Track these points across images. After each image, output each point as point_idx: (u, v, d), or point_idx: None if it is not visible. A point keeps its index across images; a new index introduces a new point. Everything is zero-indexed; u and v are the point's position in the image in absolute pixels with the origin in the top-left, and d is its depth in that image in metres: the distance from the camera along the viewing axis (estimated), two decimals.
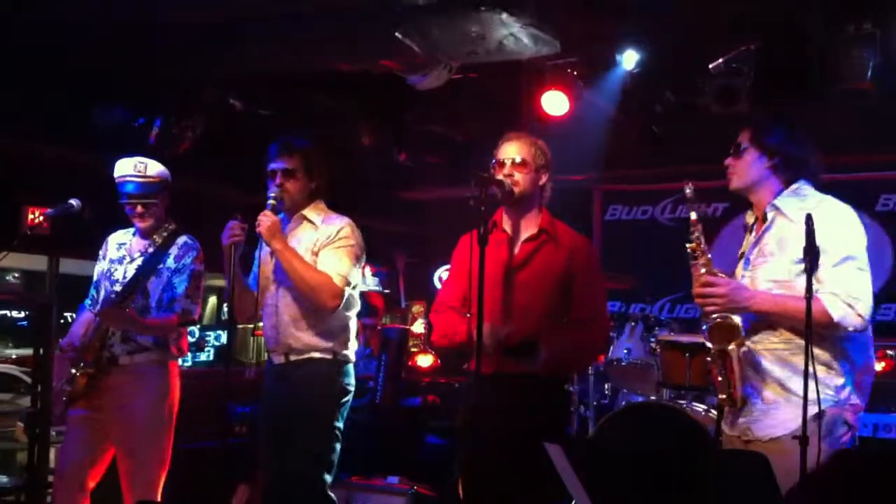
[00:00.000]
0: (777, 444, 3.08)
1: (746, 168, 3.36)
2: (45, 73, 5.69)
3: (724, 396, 3.19)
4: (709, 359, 3.18)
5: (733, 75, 6.29)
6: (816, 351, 3.11)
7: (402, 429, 6.36)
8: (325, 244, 4.04)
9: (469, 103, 7.20)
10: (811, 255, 3.00)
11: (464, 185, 3.71)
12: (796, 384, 3.11)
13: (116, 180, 4.35)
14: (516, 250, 3.69)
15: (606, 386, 5.84)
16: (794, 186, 3.31)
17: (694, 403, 4.94)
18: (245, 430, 5.70)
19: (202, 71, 6.11)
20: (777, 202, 3.28)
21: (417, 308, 8.43)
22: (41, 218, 4.66)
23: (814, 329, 3.04)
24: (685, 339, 4.98)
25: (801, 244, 3.09)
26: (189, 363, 6.48)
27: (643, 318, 5.45)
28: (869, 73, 5.89)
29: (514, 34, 4.90)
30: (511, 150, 3.71)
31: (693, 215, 3.29)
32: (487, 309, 3.49)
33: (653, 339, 5.25)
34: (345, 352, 4.09)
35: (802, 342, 3.09)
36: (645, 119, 7.14)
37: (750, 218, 3.44)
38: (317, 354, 4.01)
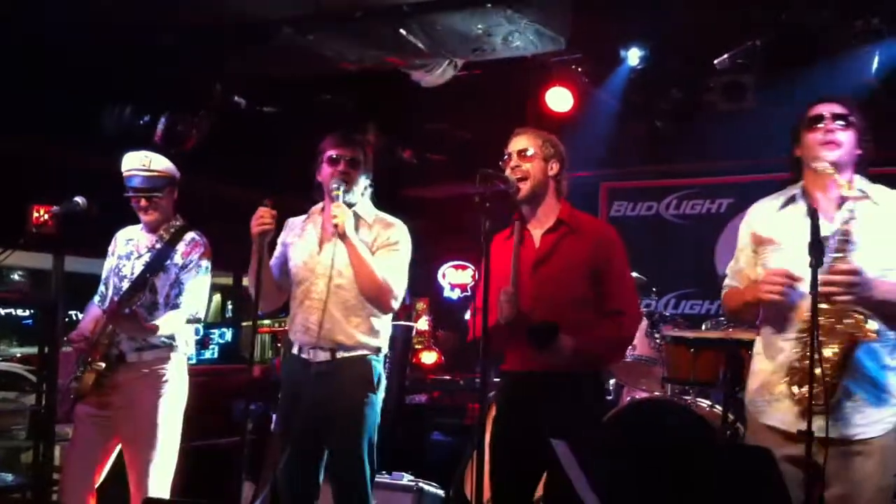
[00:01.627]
0: (869, 445, 3.01)
1: (850, 145, 3.15)
2: (50, 72, 5.70)
3: (816, 391, 2.94)
4: (829, 353, 2.98)
5: (739, 71, 6.29)
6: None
7: (407, 426, 6.36)
8: (383, 245, 3.98)
9: (474, 101, 7.20)
10: (816, 250, 2.95)
11: (468, 183, 3.71)
12: (889, 380, 3.05)
13: (123, 174, 4.35)
14: (537, 244, 3.64)
15: (611, 382, 5.84)
16: (856, 176, 3.19)
17: (699, 399, 4.94)
18: (251, 429, 5.70)
19: (209, 70, 6.13)
20: (864, 188, 3.14)
21: (421, 305, 8.44)
22: (47, 216, 4.64)
23: None
24: (690, 334, 4.97)
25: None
26: (193, 361, 6.48)
27: (648, 314, 5.44)
28: (875, 68, 5.90)
29: (519, 31, 4.91)
30: (518, 143, 3.68)
31: (849, 193, 3.07)
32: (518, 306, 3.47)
33: (658, 335, 5.24)
34: (385, 349, 4.07)
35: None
36: (650, 115, 7.14)
37: (803, 199, 3.21)
38: (364, 351, 3.96)
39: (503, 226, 3.74)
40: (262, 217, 3.84)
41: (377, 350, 4.01)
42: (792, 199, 3.25)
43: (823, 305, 2.96)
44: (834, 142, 3.12)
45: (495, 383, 5.32)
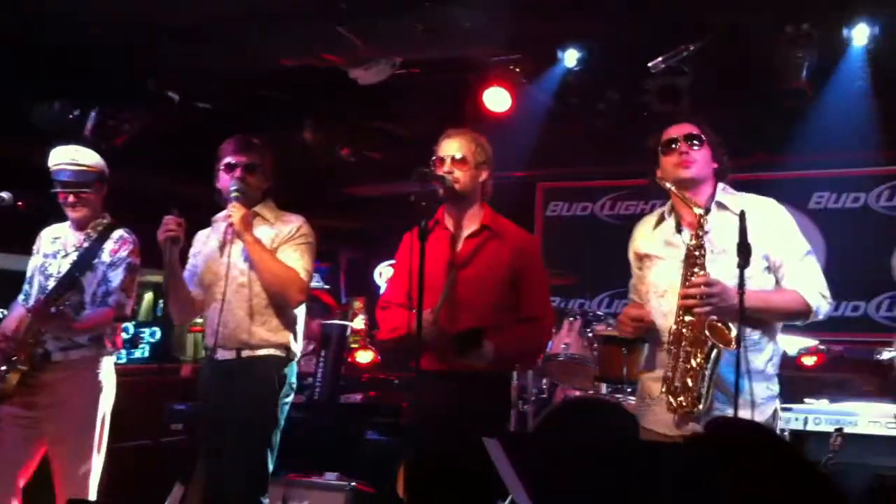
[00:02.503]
0: None
1: (704, 161, 3.40)
2: None
3: (686, 400, 3.19)
4: (694, 363, 3.17)
5: (675, 75, 6.37)
6: (772, 347, 3.21)
7: (342, 425, 6.33)
8: (284, 241, 4.01)
9: (413, 99, 7.18)
10: (744, 252, 3.06)
11: (406, 182, 3.71)
12: (753, 386, 3.19)
13: (50, 169, 4.25)
14: (459, 247, 3.69)
15: (545, 381, 5.88)
16: (721, 186, 3.41)
17: (630, 397, 4.98)
18: (181, 428, 5.62)
19: (143, 64, 6.02)
20: (721, 199, 3.34)
21: (358, 304, 8.40)
22: None
23: (787, 320, 3.24)
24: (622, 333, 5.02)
25: (757, 240, 3.17)
26: (124, 360, 6.37)
27: (582, 314, 5.49)
28: (805, 74, 6.02)
29: (457, 30, 4.90)
30: (451, 147, 3.71)
31: (699, 211, 3.28)
32: (432, 305, 3.53)
33: (591, 334, 5.29)
34: (294, 348, 4.06)
35: (759, 340, 3.22)
36: (587, 117, 7.19)
37: (672, 216, 3.46)
38: (270, 350, 3.96)
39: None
40: (168, 224, 3.86)
41: (285, 348, 4.00)
42: (662, 218, 3.49)
43: (687, 317, 3.20)
44: (688, 161, 3.35)
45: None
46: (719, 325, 3.14)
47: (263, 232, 4.03)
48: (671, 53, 5.95)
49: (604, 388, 5.24)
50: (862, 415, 4.96)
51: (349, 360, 7.78)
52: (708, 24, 5.96)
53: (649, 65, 6.03)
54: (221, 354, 3.99)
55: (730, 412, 3.13)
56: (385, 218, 7.64)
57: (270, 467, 3.99)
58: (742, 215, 3.11)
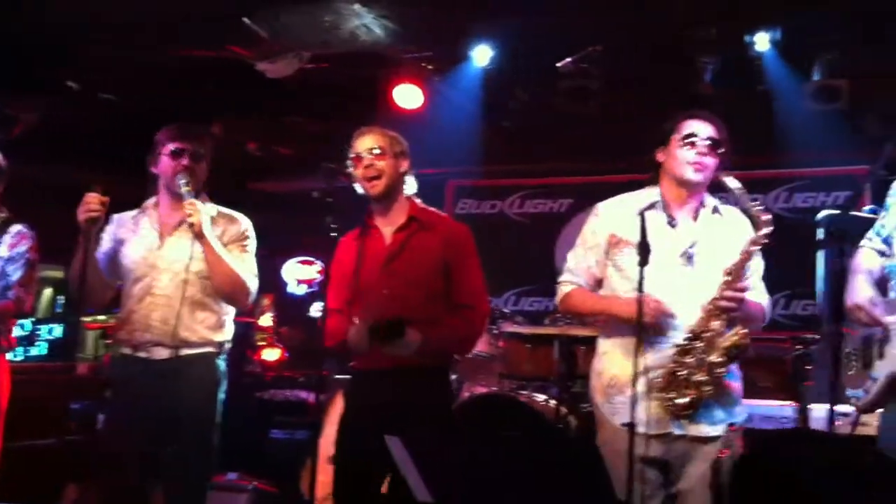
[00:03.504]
0: (711, 444, 3.23)
1: (713, 169, 3.30)
2: None
3: (682, 400, 3.19)
4: (718, 369, 3.17)
5: (583, 76, 6.45)
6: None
7: (246, 424, 6.23)
8: (232, 241, 3.89)
9: (324, 95, 7.13)
10: (643, 252, 3.08)
11: (315, 177, 3.67)
12: (734, 384, 3.27)
13: None
14: (388, 241, 3.66)
15: (451, 378, 5.87)
16: (706, 194, 3.40)
17: (535, 394, 5.03)
18: (77, 428, 5.47)
19: (45, 56, 5.84)
20: (716, 204, 3.36)
21: (266, 301, 8.28)
22: None
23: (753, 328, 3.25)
24: (526, 330, 5.06)
25: (734, 248, 3.23)
26: (20, 358, 6.16)
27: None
28: (708, 78, 6.17)
29: (366, 25, 4.88)
30: (367, 143, 3.66)
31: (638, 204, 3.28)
32: (364, 304, 3.51)
33: (497, 332, 5.31)
34: (226, 344, 3.96)
35: None
36: (497, 115, 7.24)
37: (664, 210, 3.37)
38: (209, 348, 3.85)
39: (354, 223, 3.74)
40: (90, 203, 3.67)
41: (221, 346, 3.92)
42: (652, 206, 3.35)
43: (714, 321, 3.18)
44: (702, 164, 3.27)
45: (341, 381, 5.32)
46: (743, 330, 3.19)
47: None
48: (580, 54, 6.04)
49: (510, 386, 5.27)
50: (755, 412, 5.10)
51: (256, 357, 7.68)
52: (617, 27, 6.06)
53: (558, 65, 6.10)
54: (155, 353, 3.79)
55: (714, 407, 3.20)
56: (294, 214, 7.56)
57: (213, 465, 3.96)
58: (642, 215, 3.13)
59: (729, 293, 3.17)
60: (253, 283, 3.90)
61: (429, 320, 3.49)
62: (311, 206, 3.63)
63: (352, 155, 3.68)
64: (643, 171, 3.54)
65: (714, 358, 3.15)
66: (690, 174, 3.27)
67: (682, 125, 3.32)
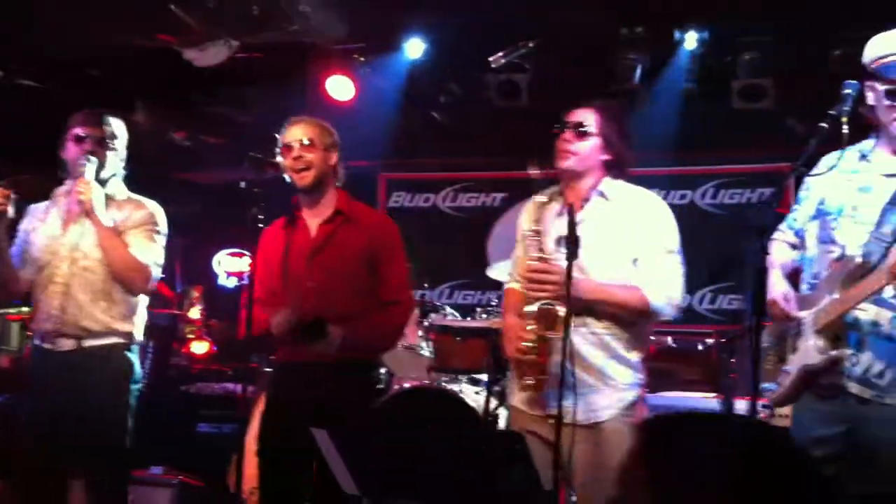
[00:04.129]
0: (600, 428, 3.17)
1: (588, 153, 3.28)
2: None
3: (531, 381, 3.17)
4: (528, 343, 3.15)
5: (514, 71, 6.49)
6: (628, 335, 3.23)
7: (172, 418, 6.14)
8: (135, 226, 3.82)
9: (255, 84, 7.05)
10: (572, 244, 3.07)
11: (240, 168, 3.62)
12: (614, 369, 3.21)
13: None
14: (314, 233, 3.64)
15: (382, 370, 5.86)
16: (609, 178, 3.34)
17: (466, 386, 5.05)
18: None
19: None
20: (604, 189, 3.29)
21: (195, 293, 8.15)
22: None
23: (629, 316, 3.19)
24: (456, 323, 5.08)
25: (630, 232, 3.20)
26: None
27: (420, 304, 5.51)
28: (638, 75, 6.24)
29: (297, 15, 4.82)
30: (297, 133, 3.64)
31: (542, 198, 3.27)
32: (289, 295, 3.48)
33: (428, 325, 5.32)
34: (137, 335, 3.89)
35: (622, 328, 3.22)
36: (430, 108, 7.23)
37: (553, 202, 3.38)
38: (115, 339, 3.78)
39: (281, 213, 3.71)
40: None
41: (129, 336, 3.84)
42: (554, 196, 3.38)
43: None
44: (567, 152, 3.27)
45: (266, 373, 5.27)
46: (552, 311, 3.14)
47: (112, 214, 3.82)
48: (511, 49, 6.06)
49: (442, 378, 5.27)
50: (681, 404, 5.19)
51: (184, 350, 7.56)
52: (548, 23, 6.10)
53: (490, 59, 6.12)
54: (58, 344, 3.74)
55: (590, 392, 3.17)
56: (224, 205, 7.45)
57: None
58: (570, 209, 3.12)
59: (525, 272, 3.18)
60: (154, 270, 3.83)
61: (353, 313, 3.50)
62: (242, 198, 3.57)
63: (281, 144, 3.65)
64: None
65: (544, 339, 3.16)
66: (558, 162, 3.30)
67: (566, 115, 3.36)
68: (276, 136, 3.71)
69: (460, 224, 8.21)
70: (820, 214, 3.14)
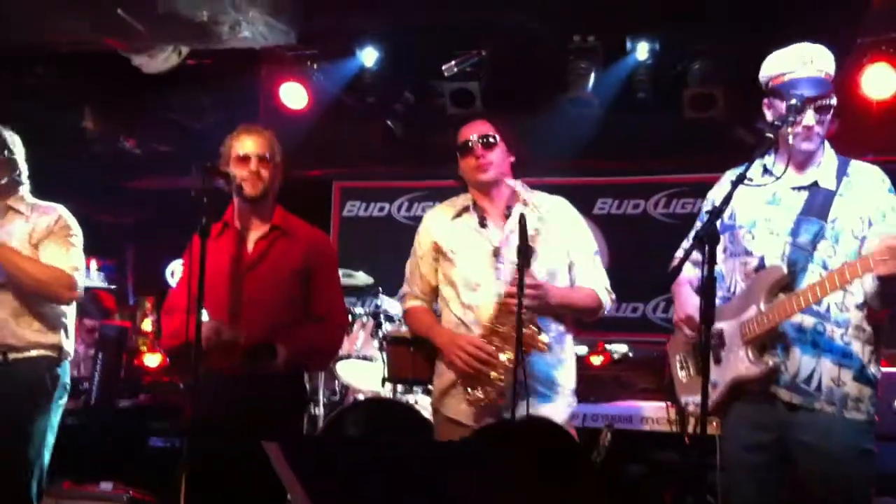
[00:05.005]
0: None
1: (500, 160, 3.45)
2: None
3: (480, 395, 3.23)
4: (504, 359, 3.21)
5: (467, 79, 6.48)
6: (566, 341, 3.29)
7: (122, 431, 6.04)
8: (44, 236, 3.81)
9: (207, 91, 6.97)
10: (524, 253, 3.10)
11: (189, 176, 3.56)
12: (563, 376, 3.25)
13: None
14: (250, 247, 3.62)
15: (337, 383, 5.83)
16: (519, 184, 3.41)
17: (419, 396, 5.02)
18: None
19: None
20: (526, 198, 3.36)
21: (147, 304, 8.04)
22: None
23: (584, 316, 3.37)
24: (410, 334, 5.04)
25: (562, 238, 3.31)
26: None
27: (374, 315, 5.47)
28: (590, 84, 6.27)
29: (247, 21, 4.77)
30: (253, 146, 3.61)
31: (446, 210, 3.38)
32: (220, 307, 3.47)
33: (382, 335, 5.28)
34: (65, 347, 3.87)
35: (568, 335, 3.36)
36: (384, 117, 7.20)
37: (465, 215, 3.52)
38: (40, 351, 3.77)
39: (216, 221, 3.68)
40: None
41: (56, 348, 3.82)
42: (466, 210, 3.53)
43: (505, 316, 3.23)
44: (484, 165, 3.43)
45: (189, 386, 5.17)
46: (534, 327, 3.22)
47: (19, 227, 3.81)
48: (464, 57, 6.06)
49: (397, 389, 5.23)
50: (635, 413, 5.21)
51: (136, 363, 7.45)
52: (501, 32, 6.11)
53: (443, 68, 6.11)
54: None
55: (543, 404, 3.22)
56: (175, 213, 7.36)
57: (44, 473, 3.82)
58: (522, 218, 3.15)
59: (511, 288, 3.23)
60: (77, 276, 3.81)
61: (287, 327, 3.51)
62: (195, 207, 3.53)
63: (236, 153, 3.59)
64: (528, 175, 3.63)
65: (505, 356, 3.23)
66: (480, 176, 3.44)
67: (459, 135, 3.51)
68: (225, 141, 3.66)
69: (415, 233, 8.16)
70: (727, 228, 3.20)
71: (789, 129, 2.97)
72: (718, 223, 3.17)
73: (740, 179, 2.87)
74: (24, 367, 3.75)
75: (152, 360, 7.45)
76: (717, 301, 3.17)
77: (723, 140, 6.48)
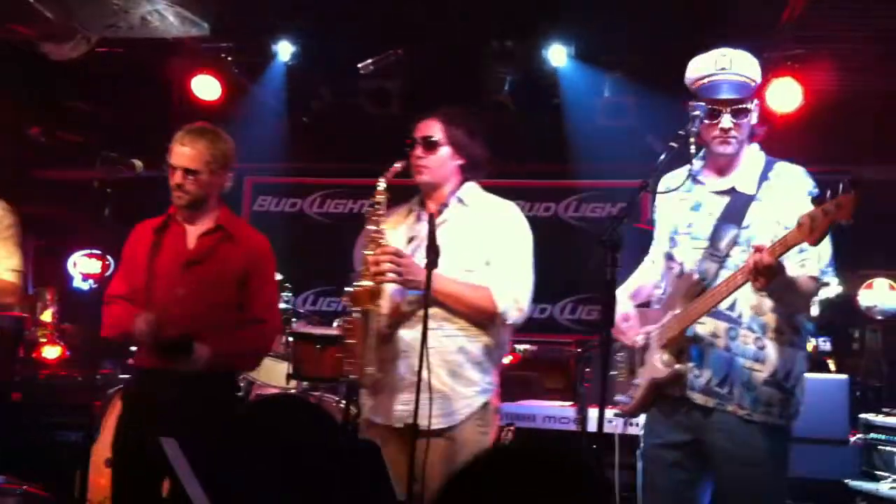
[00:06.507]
0: (453, 437, 3.20)
1: (441, 164, 3.34)
2: None
3: (351, 368, 3.18)
4: (347, 325, 3.20)
5: (385, 78, 6.49)
6: (486, 339, 3.26)
7: (17, 425, 5.86)
8: None
9: (116, 81, 6.82)
10: (432, 253, 3.09)
11: (95, 166, 3.50)
12: (468, 372, 3.24)
13: None
14: (190, 243, 3.57)
15: (241, 379, 5.75)
16: (467, 185, 3.39)
17: (327, 395, 5.00)
18: None
19: None
20: (462, 196, 3.35)
21: (48, 295, 7.82)
22: None
23: (475, 317, 3.23)
24: (317, 331, 5.03)
25: (485, 236, 3.26)
26: None
27: (282, 311, 5.41)
28: (507, 87, 6.34)
29: (158, 11, 4.69)
30: (181, 158, 3.50)
31: (383, 184, 3.28)
32: (158, 302, 3.43)
33: (288, 331, 5.24)
34: None
35: (478, 330, 3.26)
36: (299, 112, 7.16)
37: (413, 209, 3.46)
38: None
39: (144, 213, 3.65)
40: None
41: None
42: (412, 210, 3.47)
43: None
44: (421, 167, 3.33)
45: (122, 379, 5.10)
46: (376, 287, 3.18)
47: None
48: (381, 56, 6.06)
49: (301, 386, 5.20)
50: (539, 413, 5.29)
51: (34, 355, 7.23)
52: (421, 33, 6.13)
53: (359, 66, 6.10)
54: None
55: (438, 399, 3.16)
56: (80, 204, 7.19)
57: None
58: (431, 218, 3.15)
59: (374, 256, 3.22)
60: (16, 284, 3.74)
61: (220, 328, 3.47)
62: (99, 197, 3.46)
63: (169, 160, 3.51)
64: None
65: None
66: (415, 177, 3.37)
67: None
68: (168, 143, 3.56)
69: (327, 230, 8.13)
70: (668, 235, 3.26)
71: (713, 134, 3.02)
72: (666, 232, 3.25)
73: (642, 187, 2.92)
74: None
75: (51, 352, 7.26)
76: (655, 305, 3.28)
77: (633, 147, 6.61)
